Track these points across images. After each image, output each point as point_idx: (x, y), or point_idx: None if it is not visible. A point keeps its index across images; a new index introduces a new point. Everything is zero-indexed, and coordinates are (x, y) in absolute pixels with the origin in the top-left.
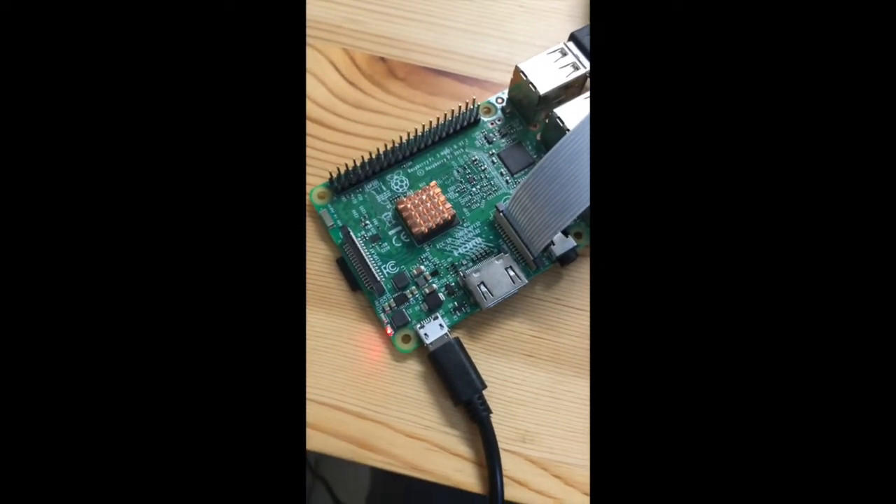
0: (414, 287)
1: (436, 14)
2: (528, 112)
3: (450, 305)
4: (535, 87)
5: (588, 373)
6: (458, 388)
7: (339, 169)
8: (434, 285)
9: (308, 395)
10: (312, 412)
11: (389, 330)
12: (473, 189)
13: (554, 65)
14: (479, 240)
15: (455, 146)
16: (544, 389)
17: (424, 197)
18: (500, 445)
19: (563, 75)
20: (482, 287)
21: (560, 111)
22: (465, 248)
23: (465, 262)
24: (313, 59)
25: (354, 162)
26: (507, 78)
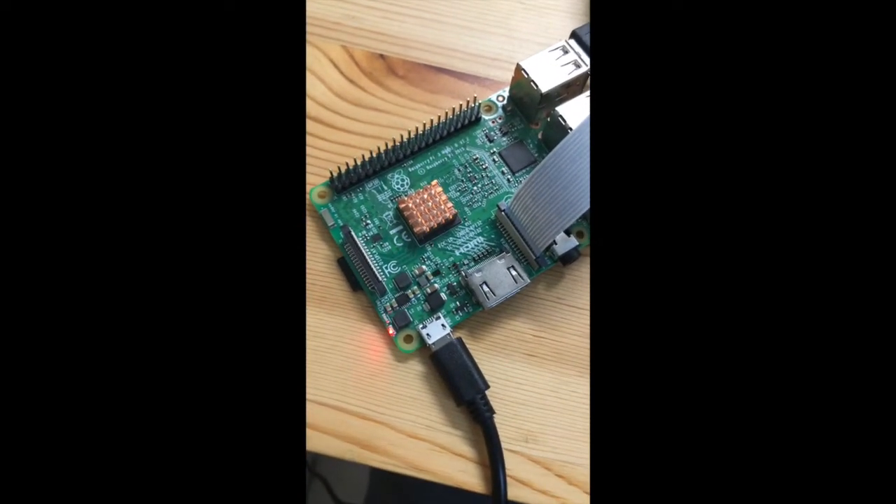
0: (416, 287)
1: (436, 11)
2: (530, 110)
3: (452, 305)
4: (536, 85)
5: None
6: (460, 388)
7: (339, 168)
8: (436, 285)
9: (309, 396)
10: (314, 413)
11: (391, 330)
12: (475, 188)
13: (555, 63)
14: (480, 239)
15: (456, 145)
16: (547, 389)
17: (426, 196)
18: (503, 445)
19: (565, 73)
20: (484, 287)
21: (562, 109)
22: (467, 247)
23: (466, 261)
24: (312, 57)
25: (355, 161)
26: (508, 75)
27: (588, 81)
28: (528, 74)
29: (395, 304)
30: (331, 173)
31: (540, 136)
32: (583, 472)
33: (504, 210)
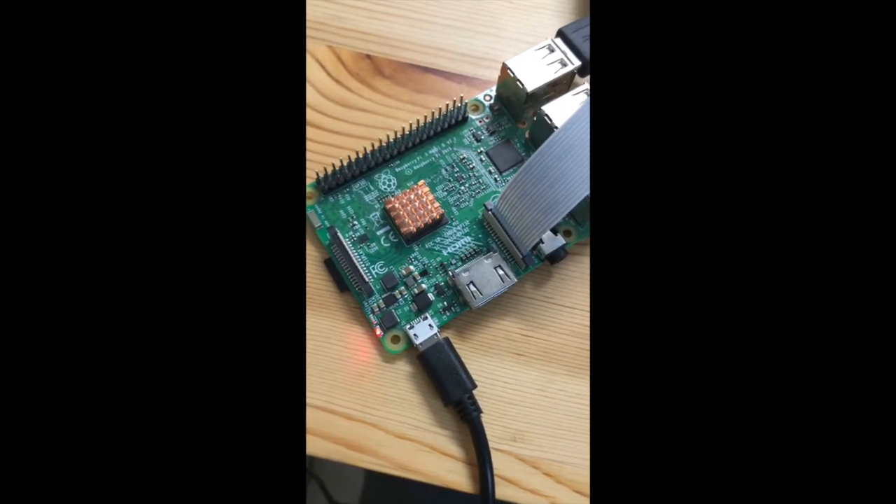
0: (403, 287)
1: (422, 10)
2: (517, 109)
3: (439, 305)
4: (522, 84)
5: (579, 371)
6: (447, 388)
7: (325, 169)
8: (423, 285)
9: None
10: None
11: (378, 331)
12: (462, 188)
13: (542, 61)
14: (468, 239)
15: (443, 144)
16: (535, 388)
17: (413, 196)
18: (491, 444)
19: (551, 72)
20: (471, 286)
21: (548, 108)
22: (455, 247)
23: (454, 261)
24: None
25: (341, 161)
26: (495, 75)
27: (574, 80)
28: (513, 73)
29: (383, 305)
30: (317, 174)
31: (527, 135)
32: (570, 470)
33: (491, 209)
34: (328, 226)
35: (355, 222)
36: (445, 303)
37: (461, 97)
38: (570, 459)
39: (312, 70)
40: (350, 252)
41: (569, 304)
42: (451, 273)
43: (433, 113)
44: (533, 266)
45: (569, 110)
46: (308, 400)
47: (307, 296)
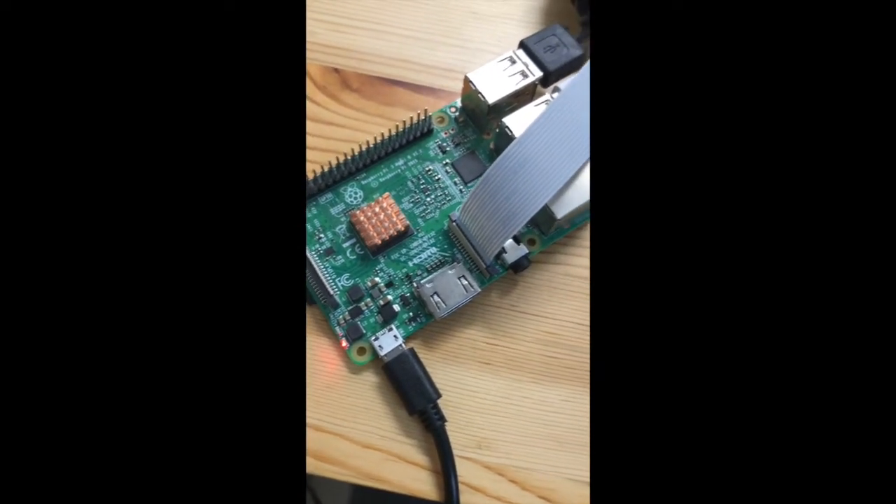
0: (369, 299)
1: (389, 23)
2: (481, 121)
3: (405, 316)
4: (483, 97)
5: (545, 378)
6: (411, 398)
7: None
8: (389, 297)
9: None
10: None
11: (344, 343)
12: (428, 199)
13: (503, 73)
14: (434, 249)
15: (409, 156)
16: (501, 396)
17: (378, 209)
18: (457, 452)
19: (513, 83)
20: (435, 297)
21: (508, 120)
22: (420, 258)
23: (419, 272)
24: None
25: (308, 175)
26: (461, 86)
27: (537, 90)
28: (475, 86)
29: (348, 317)
30: None
31: (491, 146)
32: (536, 476)
33: (455, 220)
34: None
35: (321, 235)
36: (411, 314)
37: (425, 110)
38: (535, 466)
39: None
40: (316, 266)
41: (534, 312)
42: (415, 284)
43: (397, 126)
44: (497, 275)
45: (529, 121)
46: None
47: None
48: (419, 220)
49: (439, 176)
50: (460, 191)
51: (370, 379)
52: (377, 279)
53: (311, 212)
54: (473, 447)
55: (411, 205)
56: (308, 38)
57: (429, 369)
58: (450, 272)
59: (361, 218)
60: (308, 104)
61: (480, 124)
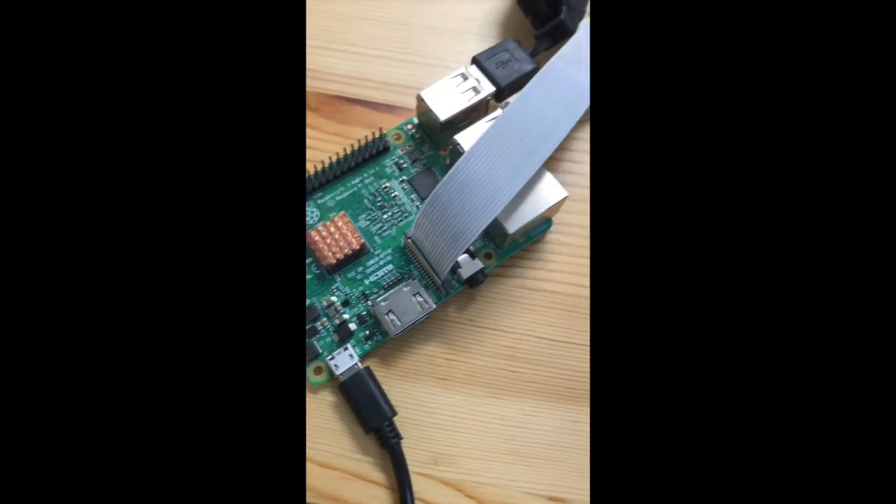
0: (325, 318)
1: (347, 41)
2: (436, 137)
3: (361, 335)
4: (435, 114)
5: (503, 392)
6: (366, 416)
7: None
8: (345, 315)
9: None
10: None
11: None
12: (384, 216)
13: (456, 90)
14: (390, 267)
15: (365, 174)
16: (459, 411)
17: (332, 228)
18: (414, 469)
19: (465, 100)
20: (390, 315)
21: (460, 137)
22: (377, 276)
23: (376, 290)
24: None
25: None
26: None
27: (489, 105)
28: (426, 104)
29: (305, 337)
30: None
31: (448, 161)
32: (494, 492)
33: (410, 237)
34: None
35: None
36: (367, 332)
37: (380, 128)
38: (493, 481)
39: None
40: None
41: (492, 326)
42: (371, 302)
43: (352, 145)
44: (454, 291)
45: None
46: None
47: None
48: (376, 237)
49: (396, 193)
50: (417, 207)
51: (327, 398)
52: (333, 298)
53: None
54: (430, 463)
55: (368, 222)
56: None
57: (386, 387)
58: (405, 289)
59: (316, 238)
60: None
61: (436, 141)
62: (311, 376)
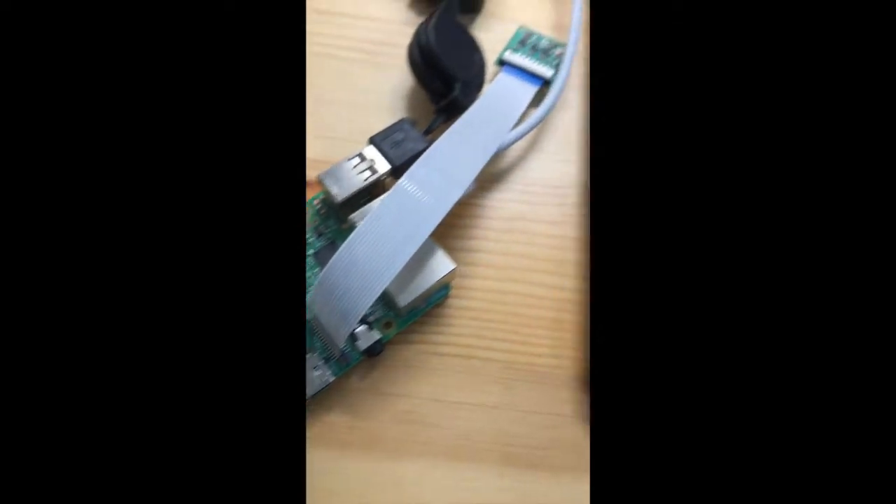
0: None
1: None
2: (339, 213)
3: None
4: (332, 195)
5: (402, 456)
6: None
7: None
8: None
9: None
10: None
11: None
12: None
13: (353, 170)
14: None
15: None
16: (359, 478)
17: None
18: None
19: (361, 180)
20: None
21: (356, 215)
22: None
23: None
24: None
25: None
26: None
27: (386, 182)
28: (324, 185)
29: None
30: None
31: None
32: None
33: (308, 312)
34: None
35: None
36: None
37: None
38: None
39: None
40: None
41: (393, 392)
42: None
43: None
44: (354, 361)
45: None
46: None
47: None
48: None
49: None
50: None
51: None
52: None
53: None
54: None
55: None
56: None
57: None
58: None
59: None
60: None
61: (340, 216)
62: None
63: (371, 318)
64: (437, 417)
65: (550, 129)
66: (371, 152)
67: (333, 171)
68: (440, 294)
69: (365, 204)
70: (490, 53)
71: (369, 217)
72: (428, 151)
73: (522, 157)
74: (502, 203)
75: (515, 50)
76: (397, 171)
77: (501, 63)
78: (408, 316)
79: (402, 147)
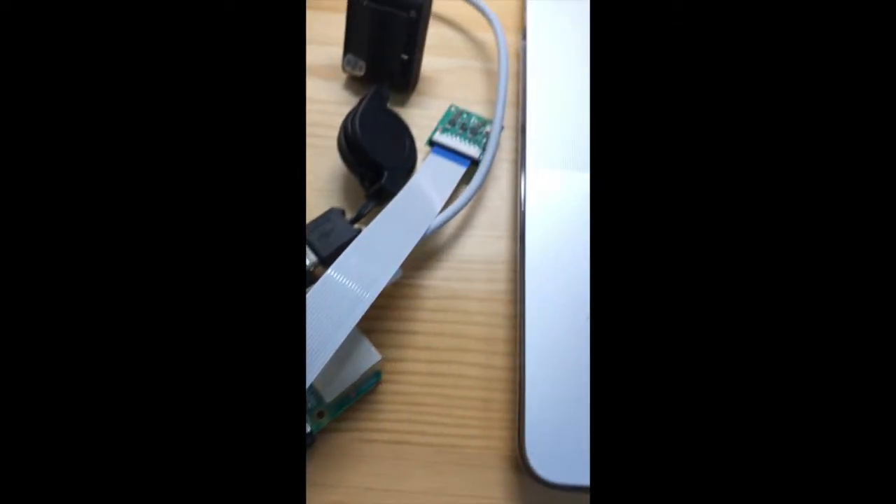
0: None
1: None
2: None
3: None
4: None
5: None
6: None
7: None
8: None
9: None
10: None
11: None
12: None
13: None
14: None
15: None
16: None
17: None
18: None
19: None
20: None
21: None
22: None
23: None
24: None
25: None
26: None
27: (316, 271)
28: None
29: None
30: None
31: None
32: None
33: None
34: None
35: None
36: None
37: None
38: None
39: None
40: None
41: (323, 482)
42: None
43: None
44: None
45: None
46: None
47: None
48: None
49: None
50: None
51: None
52: None
53: None
54: None
55: None
56: None
57: None
58: None
59: None
60: None
61: None
62: None
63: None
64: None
65: (481, 206)
66: None
67: None
68: (371, 382)
69: None
70: (424, 130)
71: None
72: (356, 240)
73: (455, 235)
74: (435, 282)
75: (445, 130)
76: (326, 262)
77: (432, 143)
78: (339, 405)
79: (329, 238)
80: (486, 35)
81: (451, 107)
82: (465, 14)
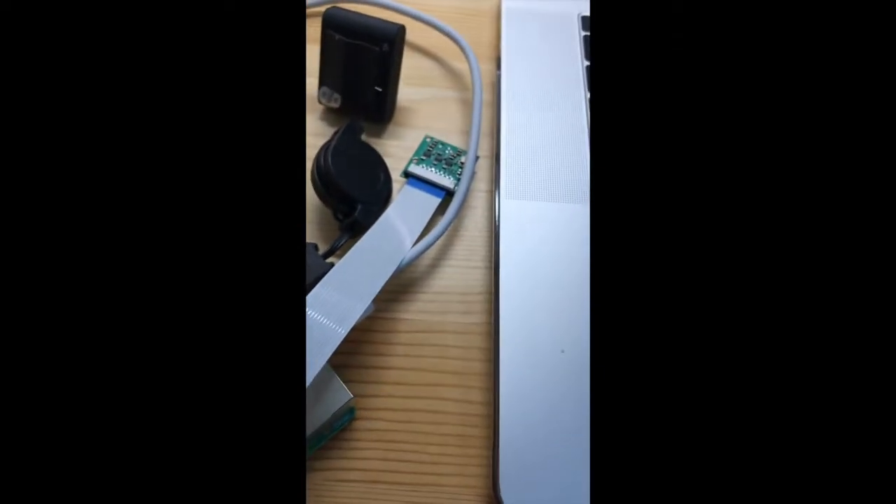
0: None
1: None
2: None
3: None
4: None
5: None
6: None
7: None
8: None
9: None
10: None
11: None
12: None
13: None
14: None
15: None
16: None
17: None
18: None
19: None
20: None
21: None
22: None
23: None
24: None
25: None
26: None
27: None
28: None
29: None
30: None
31: None
32: None
33: None
34: None
35: None
36: None
37: None
38: None
39: None
40: None
41: None
42: None
43: None
44: None
45: None
46: None
47: None
48: None
49: None
50: None
51: None
52: None
53: None
54: None
55: None
56: None
57: None
58: None
59: None
60: None
61: None
62: None
63: None
64: None
65: (457, 237)
66: None
67: None
68: (345, 419)
69: None
70: (400, 161)
71: None
72: (328, 275)
73: (431, 267)
74: (411, 315)
75: (420, 161)
76: None
77: (407, 175)
78: (313, 443)
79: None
80: (462, 65)
81: (426, 138)
82: (441, 44)
